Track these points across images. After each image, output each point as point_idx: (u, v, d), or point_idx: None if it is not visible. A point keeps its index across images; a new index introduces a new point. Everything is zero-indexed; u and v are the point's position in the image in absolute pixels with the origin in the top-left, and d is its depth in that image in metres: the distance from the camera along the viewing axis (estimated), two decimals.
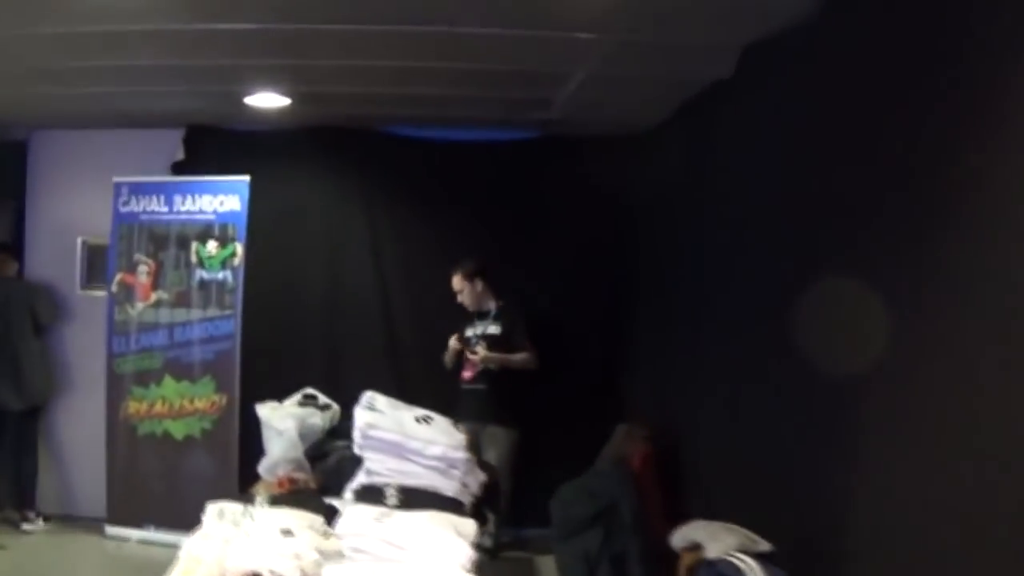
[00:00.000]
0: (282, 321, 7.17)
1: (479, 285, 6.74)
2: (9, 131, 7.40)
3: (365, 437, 4.00)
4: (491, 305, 6.80)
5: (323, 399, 5.49)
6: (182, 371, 6.84)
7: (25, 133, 7.47)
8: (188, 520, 6.16)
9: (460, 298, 6.74)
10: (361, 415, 4.05)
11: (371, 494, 3.93)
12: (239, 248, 6.79)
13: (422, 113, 6.92)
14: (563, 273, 7.33)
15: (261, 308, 6.92)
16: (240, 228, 6.79)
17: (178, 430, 6.83)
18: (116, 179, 6.98)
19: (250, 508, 3.76)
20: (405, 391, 6.51)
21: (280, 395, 6.94)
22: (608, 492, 5.96)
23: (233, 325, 6.77)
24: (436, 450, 4.02)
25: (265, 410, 5.27)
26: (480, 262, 6.76)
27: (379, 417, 4.04)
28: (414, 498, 3.88)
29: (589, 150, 7.25)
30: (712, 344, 5.64)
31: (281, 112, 6.61)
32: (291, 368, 7.07)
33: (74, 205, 7.42)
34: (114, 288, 6.97)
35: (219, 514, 3.79)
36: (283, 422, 5.06)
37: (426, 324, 7.22)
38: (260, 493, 4.37)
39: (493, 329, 6.73)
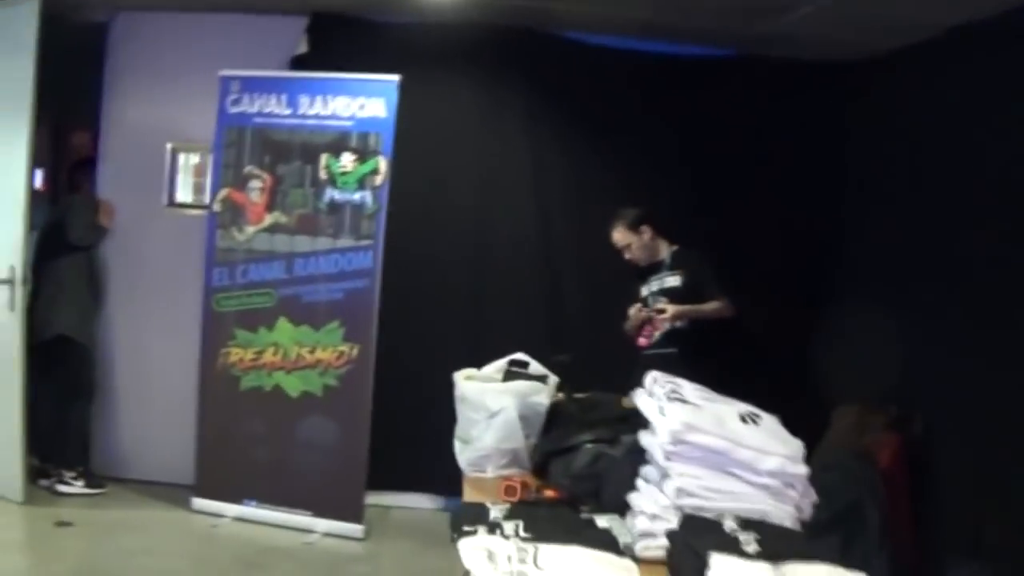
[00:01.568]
0: (424, 258, 5.88)
1: (647, 233, 5.54)
2: (86, 11, 6.01)
3: (678, 442, 2.77)
4: (664, 253, 5.60)
5: (536, 367, 4.18)
6: (302, 313, 5.49)
7: (107, 14, 6.08)
8: (298, 498, 4.82)
9: (628, 254, 5.56)
10: (673, 411, 2.84)
11: (702, 528, 2.66)
12: (383, 164, 5.44)
13: (606, 14, 5.61)
14: (761, 218, 6.09)
15: (401, 241, 5.59)
16: (386, 139, 5.43)
17: (293, 386, 5.49)
18: (224, 72, 5.60)
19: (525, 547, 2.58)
20: (568, 355, 5.46)
21: (420, 351, 5.75)
22: (849, 492, 4.79)
23: (372, 259, 5.41)
24: (772, 463, 2.80)
25: (468, 383, 3.94)
26: (644, 209, 5.57)
27: (697, 414, 2.82)
28: (773, 540, 2.61)
29: (799, 75, 6.06)
30: (977, 312, 4.68)
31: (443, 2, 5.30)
32: (434, 318, 5.87)
33: (166, 103, 6.06)
34: (216, 207, 5.61)
35: (488, 557, 2.59)
36: (498, 399, 3.73)
37: (595, 274, 6.01)
38: (495, 504, 3.08)
39: (672, 281, 5.55)
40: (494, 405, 3.74)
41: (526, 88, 6.01)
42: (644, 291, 5.60)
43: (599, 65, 6.03)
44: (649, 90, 6.03)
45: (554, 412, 3.77)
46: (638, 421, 3.12)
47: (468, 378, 4.00)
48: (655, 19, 5.56)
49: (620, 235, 5.54)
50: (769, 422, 2.96)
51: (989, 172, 4.81)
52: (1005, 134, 4.69)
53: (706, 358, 5.34)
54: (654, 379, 3.13)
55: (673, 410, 2.83)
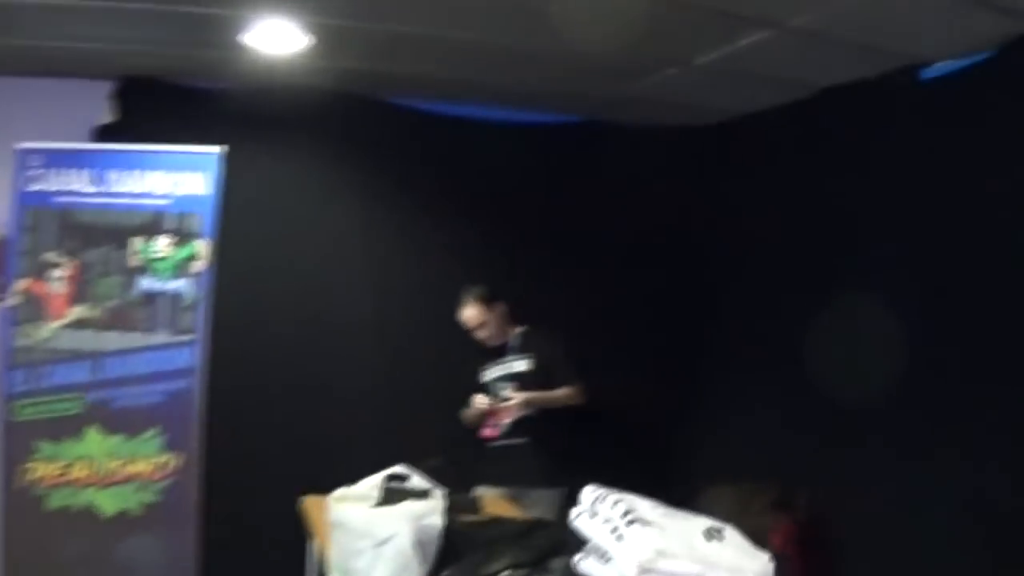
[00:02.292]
0: (254, 352, 5.29)
1: (499, 310, 5.17)
2: None
3: (647, 571, 2.32)
4: (511, 335, 5.23)
5: (419, 481, 3.65)
6: (114, 420, 4.81)
7: None
8: None
9: (481, 333, 5.15)
10: (636, 536, 2.40)
11: None
12: (204, 247, 4.85)
13: (449, 79, 5.16)
14: (620, 290, 5.82)
15: (228, 334, 4.99)
16: (207, 219, 4.85)
17: (108, 504, 4.80)
18: (20, 145, 4.90)
19: None
20: (412, 450, 4.95)
21: (256, 459, 5.17)
22: None
23: (194, 356, 4.81)
24: None
25: (346, 506, 3.39)
26: (489, 287, 5.20)
27: (663, 537, 2.39)
28: None
29: (653, 140, 5.77)
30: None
31: (272, 66, 4.74)
32: (269, 419, 5.31)
33: None
34: (13, 300, 4.89)
35: None
36: (388, 525, 3.19)
37: (441, 359, 5.51)
38: None
39: (520, 365, 5.18)
40: (383, 532, 3.18)
41: (361, 160, 5.53)
42: (488, 376, 5.21)
43: (439, 134, 5.61)
44: (494, 160, 5.62)
45: (449, 534, 3.24)
46: (549, 537, 2.82)
47: (340, 499, 3.46)
48: (507, 83, 5.13)
49: (473, 313, 5.11)
50: (732, 536, 2.56)
51: (859, 234, 4.63)
52: (870, 195, 4.50)
53: (560, 447, 5.06)
54: (596, 496, 2.63)
55: (636, 535, 2.39)
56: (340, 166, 5.50)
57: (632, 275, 5.76)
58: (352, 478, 4.50)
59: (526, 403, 5.01)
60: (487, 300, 5.11)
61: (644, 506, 2.50)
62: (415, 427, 5.44)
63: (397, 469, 3.64)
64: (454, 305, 5.18)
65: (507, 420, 5.06)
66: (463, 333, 5.17)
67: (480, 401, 5.06)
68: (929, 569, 4.02)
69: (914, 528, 4.08)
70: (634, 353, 5.77)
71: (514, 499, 4.81)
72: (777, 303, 5.15)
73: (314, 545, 4.19)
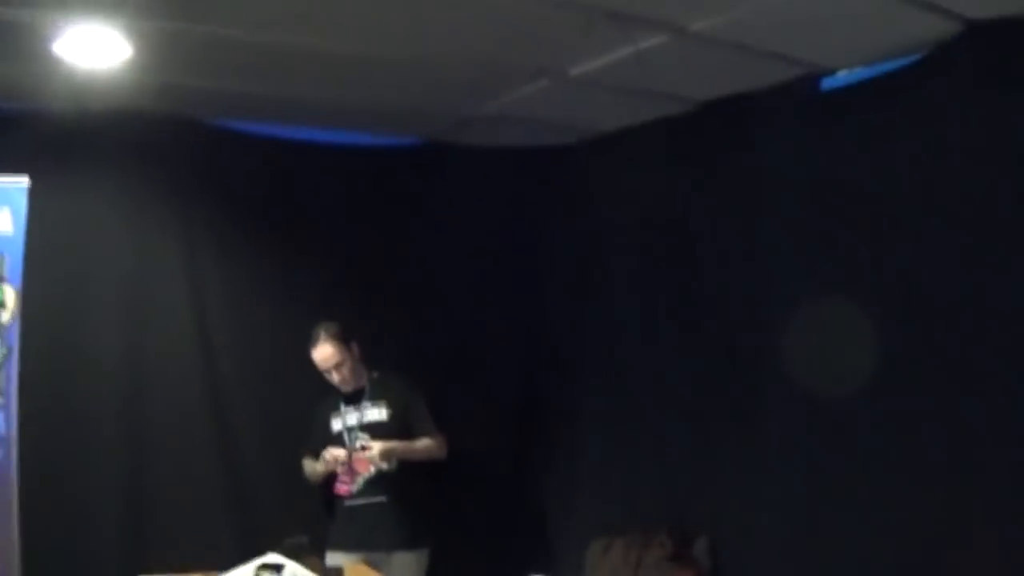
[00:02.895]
0: (67, 414, 4.59)
1: (355, 350, 4.73)
2: None
3: None
4: (363, 380, 4.80)
5: (295, 568, 3.14)
6: None
7: None
8: None
9: (336, 375, 4.69)
10: None
11: None
12: (11, 294, 4.15)
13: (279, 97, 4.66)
14: (464, 334, 5.45)
15: (37, 393, 4.30)
16: (13, 261, 4.16)
17: None
18: None
19: None
20: (248, 511, 4.93)
21: (65, 536, 4.47)
22: None
23: (3, 422, 4.08)
24: None
25: None
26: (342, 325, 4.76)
27: None
28: None
29: (495, 162, 5.44)
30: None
31: (88, 83, 4.12)
32: (81, 492, 4.59)
33: None
34: None
35: None
36: None
37: (272, 409, 5.05)
38: None
39: (376, 414, 4.75)
40: None
41: (185, 188, 4.93)
42: (339, 425, 4.74)
43: (270, 158, 5.09)
44: (332, 186, 5.20)
45: None
46: None
47: None
48: (345, 101, 4.67)
49: (329, 351, 4.63)
50: None
51: (707, 257, 4.53)
52: (723, 220, 4.40)
53: (421, 506, 4.69)
54: None
55: None
56: (163, 196, 4.88)
57: (480, 313, 5.40)
58: (191, 557, 3.97)
59: (386, 455, 4.57)
60: (343, 338, 4.66)
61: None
62: (259, 492, 4.95)
63: (270, 558, 3.13)
64: (292, 345, 4.76)
65: (363, 475, 4.62)
66: (305, 377, 4.74)
67: (334, 454, 4.59)
68: None
69: (827, 559, 3.88)
70: (489, 400, 5.42)
71: (373, 565, 4.36)
72: (651, 330, 4.89)
73: None
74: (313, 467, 4.75)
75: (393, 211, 5.27)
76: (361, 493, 4.62)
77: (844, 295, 3.76)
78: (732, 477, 4.34)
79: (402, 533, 4.64)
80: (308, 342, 4.63)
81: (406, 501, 4.66)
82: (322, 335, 4.63)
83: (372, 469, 4.60)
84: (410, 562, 4.65)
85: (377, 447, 4.56)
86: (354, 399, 4.75)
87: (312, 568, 3.33)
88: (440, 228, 5.35)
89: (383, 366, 4.85)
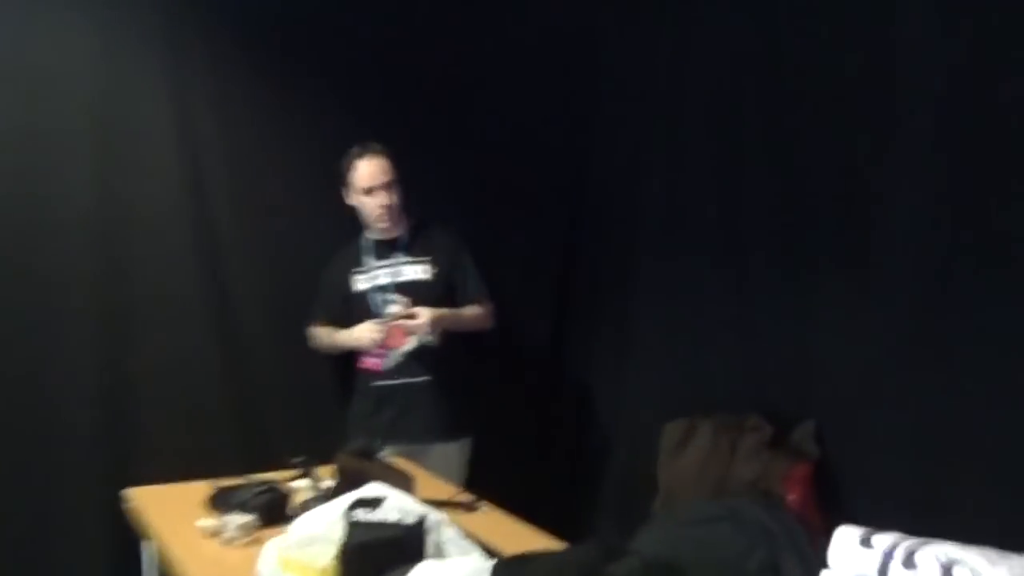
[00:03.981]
0: (20, 288, 3.69)
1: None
2: None
3: None
4: (400, 229, 3.95)
5: (399, 497, 2.26)
6: None
7: None
8: None
9: (380, 200, 3.83)
10: None
11: None
12: None
13: None
14: (497, 180, 4.48)
15: None
16: None
17: None
18: None
19: None
20: (251, 406, 4.10)
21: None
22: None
23: None
24: None
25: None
26: None
27: None
28: None
29: None
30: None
31: None
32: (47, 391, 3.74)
33: None
34: None
35: None
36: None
37: (278, 266, 4.17)
38: None
39: (416, 272, 3.92)
40: None
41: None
42: (363, 283, 3.90)
43: None
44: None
45: None
46: None
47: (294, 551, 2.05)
48: None
49: (384, 165, 3.82)
50: None
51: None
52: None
53: (464, 387, 3.97)
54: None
55: None
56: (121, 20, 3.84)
57: (522, 159, 4.50)
58: (177, 468, 3.31)
59: (437, 323, 3.73)
60: (396, 164, 3.83)
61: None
62: (264, 383, 4.13)
63: (366, 491, 2.24)
64: (306, 189, 4.08)
65: (400, 348, 3.75)
66: (325, 231, 3.99)
67: (370, 330, 3.76)
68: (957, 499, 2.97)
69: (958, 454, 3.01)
70: (528, 261, 4.56)
71: (409, 458, 3.53)
72: (730, 177, 3.95)
73: (151, 548, 2.94)
74: (331, 337, 3.91)
75: (429, 21, 4.29)
76: (397, 371, 3.79)
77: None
78: (837, 352, 3.46)
79: (445, 420, 3.88)
80: (331, 178, 3.84)
81: (450, 382, 3.87)
82: (371, 148, 3.81)
83: (411, 341, 3.72)
84: (452, 454, 3.90)
85: (426, 312, 3.68)
86: (384, 251, 3.90)
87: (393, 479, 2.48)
88: (480, 48, 4.38)
89: (421, 214, 3.95)
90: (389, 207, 3.80)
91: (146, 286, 3.86)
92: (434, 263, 3.88)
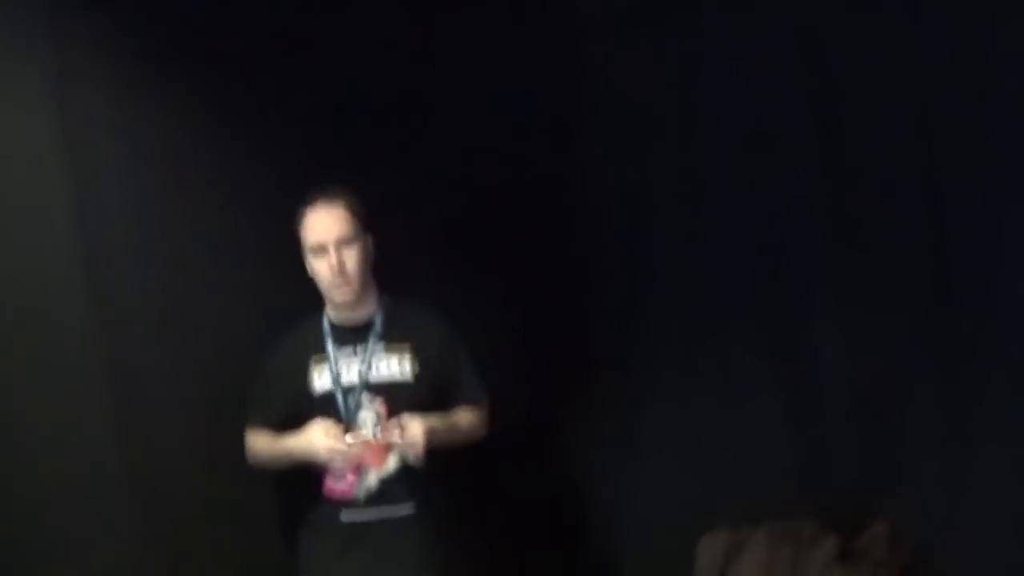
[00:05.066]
0: None
1: (370, 249, 2.97)
2: None
3: None
4: (372, 306, 2.99)
5: None
6: None
7: None
8: None
9: (332, 267, 2.86)
10: None
11: None
12: None
13: None
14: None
15: None
16: None
17: None
18: None
19: None
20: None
21: None
22: None
23: None
24: None
25: None
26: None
27: None
28: None
29: None
30: None
31: None
32: None
33: None
34: None
35: None
36: None
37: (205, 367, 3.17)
38: None
39: (393, 367, 2.95)
40: None
41: None
42: (321, 382, 2.95)
43: None
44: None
45: None
46: None
47: None
48: None
49: (342, 218, 2.88)
50: None
51: None
52: None
53: (452, 515, 3.02)
54: None
55: None
56: None
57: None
58: None
59: (431, 435, 2.82)
60: (361, 215, 2.91)
61: None
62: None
63: None
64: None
65: (376, 470, 2.84)
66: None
67: (346, 446, 2.80)
68: None
69: None
70: (509, 337, 3.55)
71: None
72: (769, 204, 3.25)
73: None
74: (275, 446, 2.95)
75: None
76: (374, 498, 2.87)
77: None
78: (920, 429, 2.86)
79: (431, 562, 2.93)
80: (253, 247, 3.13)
81: (438, 512, 2.95)
82: (331, 196, 2.90)
83: (389, 462, 2.80)
84: None
85: (417, 425, 2.74)
86: (351, 337, 2.95)
87: None
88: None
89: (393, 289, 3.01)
90: (342, 272, 2.84)
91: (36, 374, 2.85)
92: (415, 353, 2.94)
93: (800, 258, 3.13)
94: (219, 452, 3.04)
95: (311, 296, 2.95)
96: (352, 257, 2.85)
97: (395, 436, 2.76)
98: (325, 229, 2.84)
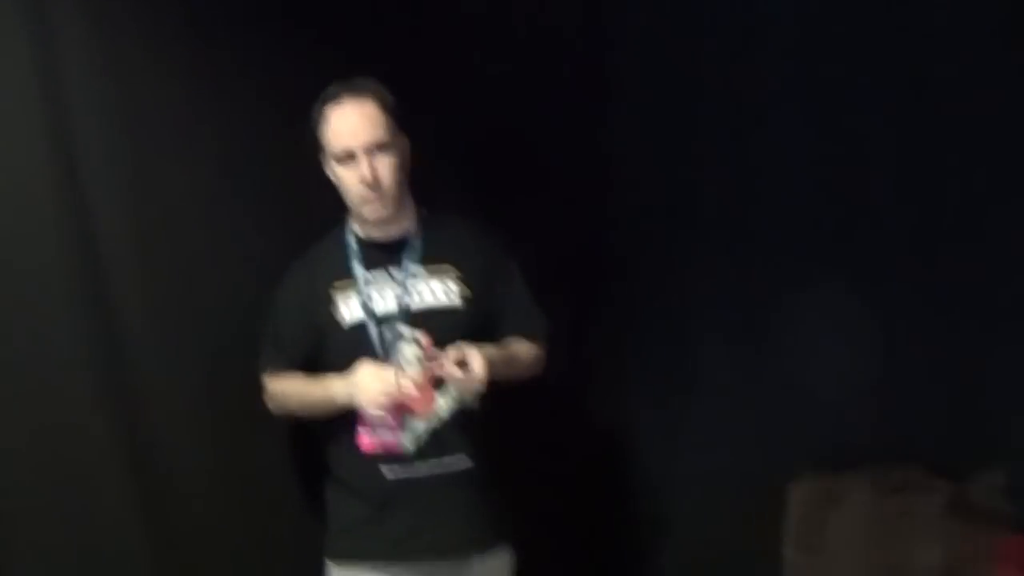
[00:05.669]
0: None
1: (406, 152, 2.48)
2: None
3: None
4: (407, 221, 2.52)
5: None
6: None
7: None
8: None
9: (358, 188, 2.39)
10: None
11: None
12: None
13: None
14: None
15: None
16: None
17: None
18: None
19: None
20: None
21: None
22: None
23: None
24: None
25: None
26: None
27: None
28: None
29: None
30: None
31: None
32: None
33: None
34: None
35: None
36: None
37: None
38: None
39: (436, 292, 2.48)
40: None
41: None
42: (351, 311, 2.45)
43: None
44: None
45: None
46: None
47: None
48: None
49: (372, 127, 2.37)
50: None
51: None
52: None
53: (505, 467, 2.56)
54: None
55: None
56: None
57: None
58: None
59: (489, 368, 2.32)
60: (395, 113, 2.41)
61: None
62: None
63: None
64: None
65: (424, 417, 2.37)
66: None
67: (402, 378, 2.30)
68: None
69: None
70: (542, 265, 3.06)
71: None
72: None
73: None
74: (307, 391, 2.47)
75: None
76: (421, 453, 2.38)
77: None
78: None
79: (488, 521, 2.49)
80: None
81: (492, 464, 2.50)
82: (358, 89, 2.40)
83: (442, 404, 2.33)
84: (497, 570, 2.52)
85: (478, 357, 2.25)
86: (381, 258, 2.47)
87: None
88: None
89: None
90: (376, 183, 2.36)
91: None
92: (462, 276, 2.47)
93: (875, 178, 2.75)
94: (224, 405, 2.56)
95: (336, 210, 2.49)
96: (386, 165, 2.37)
97: (455, 371, 2.27)
98: (352, 132, 2.36)
